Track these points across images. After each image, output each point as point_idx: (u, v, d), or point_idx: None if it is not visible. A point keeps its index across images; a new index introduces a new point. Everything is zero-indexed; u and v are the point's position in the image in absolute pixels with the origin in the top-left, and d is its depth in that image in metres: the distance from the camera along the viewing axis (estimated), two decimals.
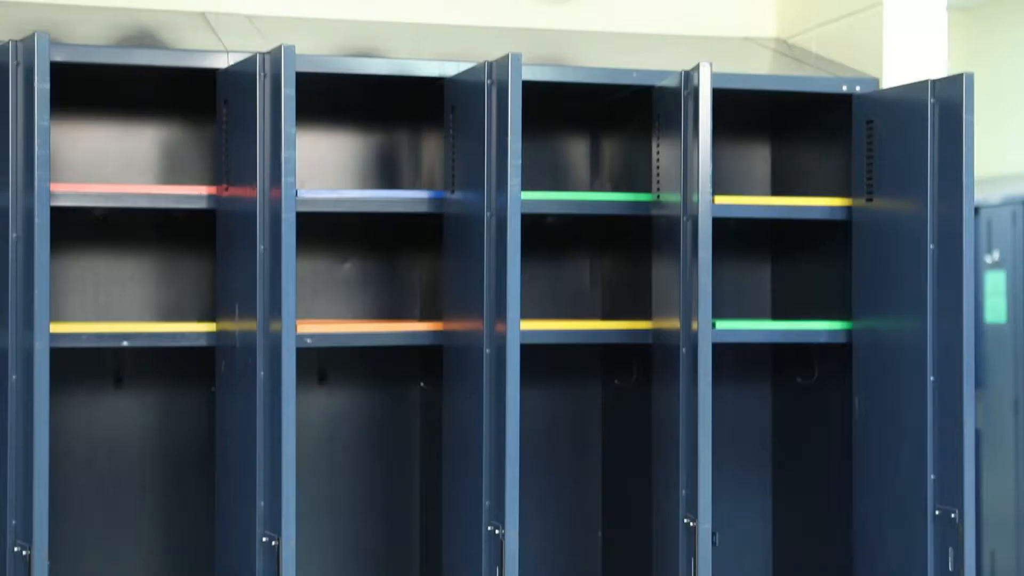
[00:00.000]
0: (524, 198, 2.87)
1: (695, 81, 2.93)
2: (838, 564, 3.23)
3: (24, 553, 2.54)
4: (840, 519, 3.21)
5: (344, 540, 3.32)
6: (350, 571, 3.33)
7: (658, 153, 3.09)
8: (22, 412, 2.60)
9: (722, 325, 3.11)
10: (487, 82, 2.84)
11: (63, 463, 3.09)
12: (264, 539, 2.69)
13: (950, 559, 2.86)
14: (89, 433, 3.14)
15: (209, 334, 2.94)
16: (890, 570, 3.01)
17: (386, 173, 3.33)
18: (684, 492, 2.93)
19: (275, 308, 2.71)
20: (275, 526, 2.65)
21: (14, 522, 2.59)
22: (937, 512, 2.89)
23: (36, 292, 2.59)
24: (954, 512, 2.85)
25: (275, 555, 2.64)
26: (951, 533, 2.86)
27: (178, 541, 3.20)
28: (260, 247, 2.75)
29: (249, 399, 2.76)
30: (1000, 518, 7.27)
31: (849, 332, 3.16)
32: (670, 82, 3.01)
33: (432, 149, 3.25)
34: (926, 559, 2.89)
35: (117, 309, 3.15)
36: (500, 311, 2.81)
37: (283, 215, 2.69)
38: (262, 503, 2.71)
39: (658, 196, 3.09)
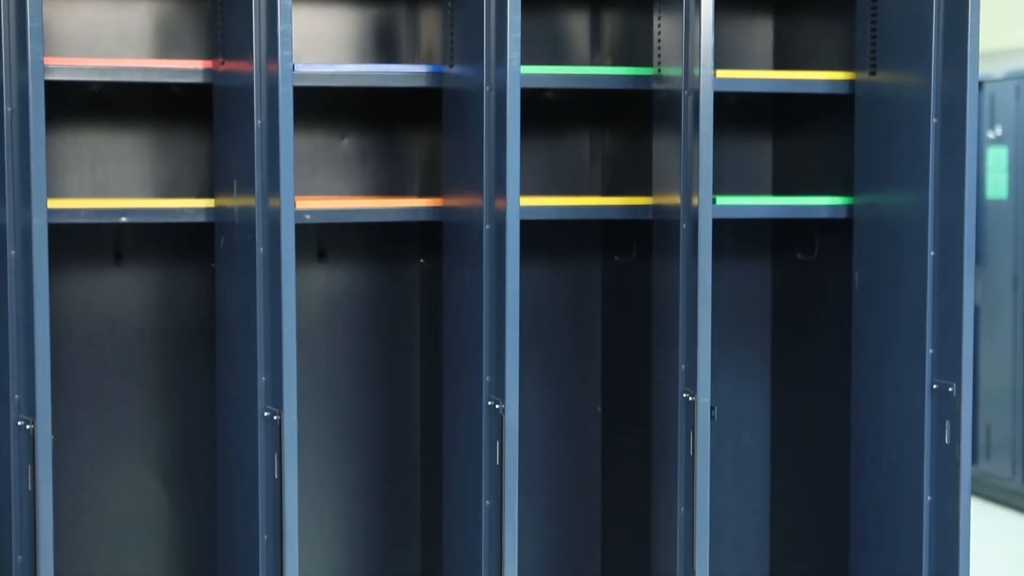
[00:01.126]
0: (523, 72, 2.84)
1: None
2: (836, 439, 3.26)
3: (28, 427, 2.56)
4: (838, 395, 3.23)
5: (344, 415, 3.34)
6: (350, 445, 3.35)
7: (659, 26, 3.06)
8: (22, 288, 2.60)
9: (722, 201, 3.09)
10: None
11: (64, 339, 3.10)
12: (266, 413, 2.71)
13: (947, 432, 2.88)
14: (90, 310, 3.14)
15: (208, 210, 2.93)
16: (887, 444, 3.03)
17: (384, 47, 3.30)
18: (683, 367, 2.94)
19: (273, 184, 2.70)
20: (276, 401, 2.67)
21: (17, 397, 2.60)
22: (935, 386, 2.91)
23: (32, 167, 2.57)
24: (952, 386, 2.87)
25: (276, 429, 2.66)
26: (948, 407, 2.88)
27: (180, 416, 3.22)
28: (257, 122, 2.73)
29: (249, 276, 2.76)
30: (997, 393, 7.32)
31: (850, 207, 3.14)
32: None
33: (430, 22, 3.20)
34: (923, 433, 2.92)
35: (115, 186, 3.13)
36: (500, 187, 2.80)
37: (280, 89, 2.66)
38: (263, 378, 2.72)
39: (659, 70, 3.06)
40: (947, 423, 2.88)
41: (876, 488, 3.07)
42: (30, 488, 2.54)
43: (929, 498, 2.92)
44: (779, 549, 3.58)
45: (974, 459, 7.16)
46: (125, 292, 3.17)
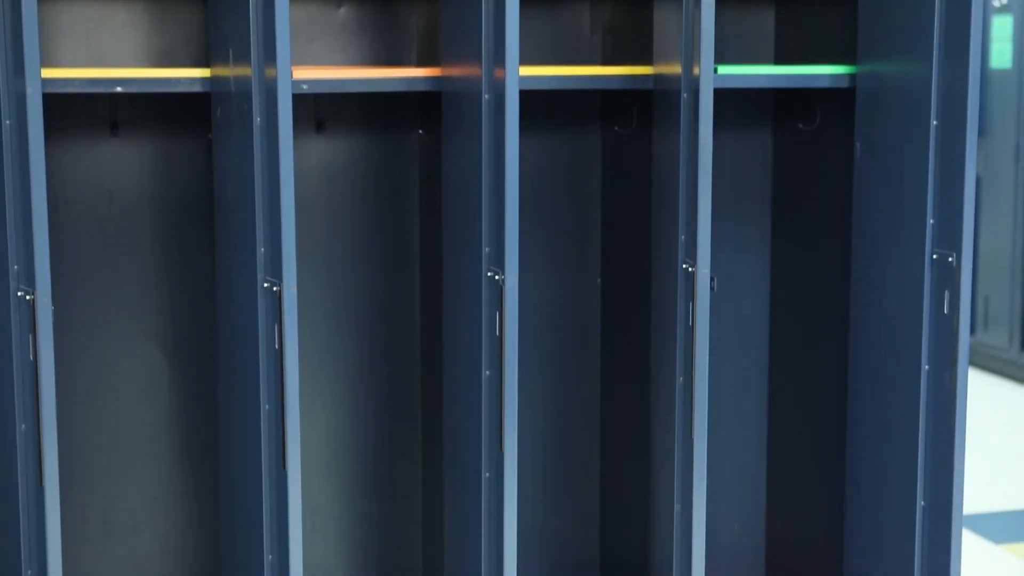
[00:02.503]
0: None
1: None
2: (835, 309, 3.27)
3: (28, 298, 2.56)
4: (838, 265, 3.24)
5: (343, 287, 3.34)
6: (350, 317, 3.37)
7: None
8: (18, 158, 2.58)
9: (724, 70, 3.06)
10: None
11: (62, 210, 3.09)
12: (265, 285, 2.71)
13: (946, 302, 2.89)
14: (87, 180, 3.13)
15: (204, 80, 2.90)
16: (886, 314, 3.04)
17: None
18: (683, 237, 2.94)
19: (269, 53, 2.67)
20: (275, 272, 2.67)
21: (16, 267, 2.60)
22: (935, 256, 2.91)
23: (25, 36, 2.54)
24: (951, 256, 2.87)
25: (276, 300, 2.66)
26: (948, 277, 2.88)
27: (179, 286, 3.22)
28: None
29: (246, 146, 2.74)
30: (996, 265, 7.33)
31: (853, 76, 3.11)
32: None
33: None
34: (922, 302, 2.92)
35: (109, 55, 3.10)
36: (499, 56, 2.77)
37: None
38: (262, 249, 2.72)
39: None
40: (946, 293, 2.89)
41: (874, 358, 3.09)
42: (32, 358, 2.56)
43: (927, 367, 2.94)
44: (777, 417, 3.62)
45: (972, 330, 7.20)
46: (122, 163, 3.15)
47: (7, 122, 2.61)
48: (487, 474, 2.83)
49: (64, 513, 2.89)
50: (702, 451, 2.91)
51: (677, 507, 2.98)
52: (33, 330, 2.54)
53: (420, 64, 3.24)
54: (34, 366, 2.55)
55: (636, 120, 3.19)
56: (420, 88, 3.03)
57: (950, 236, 2.86)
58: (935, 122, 2.88)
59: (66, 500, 3.05)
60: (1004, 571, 4.70)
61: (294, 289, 2.65)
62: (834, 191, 3.26)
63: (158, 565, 3.31)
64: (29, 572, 2.63)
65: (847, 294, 3.18)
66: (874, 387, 3.09)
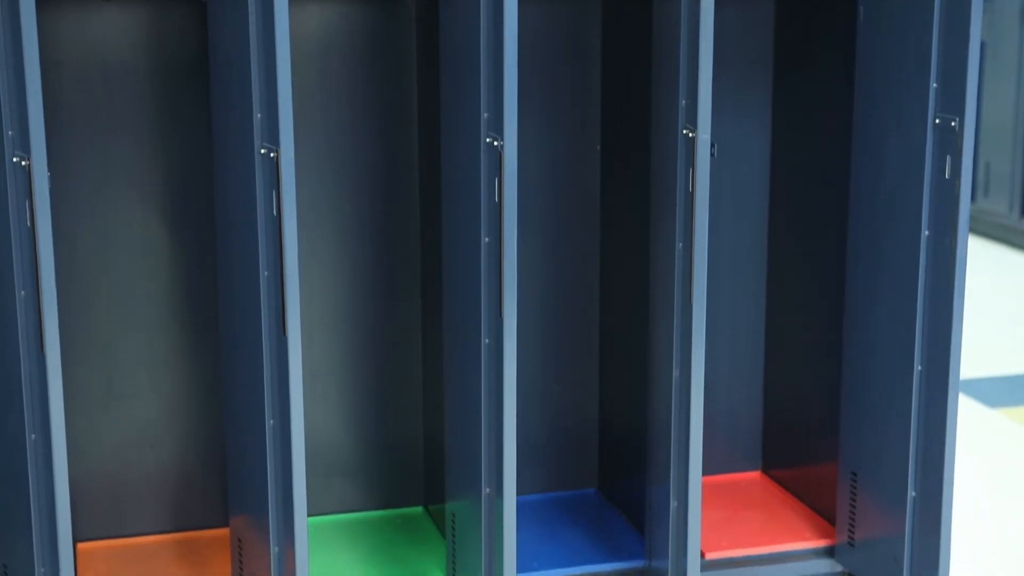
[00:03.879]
0: None
1: None
2: (836, 176, 3.25)
3: (23, 163, 2.55)
4: (839, 129, 3.21)
5: (341, 153, 3.33)
6: (348, 183, 3.35)
7: None
8: (9, 24, 2.54)
9: None
10: None
11: (55, 74, 3.06)
12: (262, 151, 2.69)
13: (947, 167, 2.87)
14: (80, 47, 3.09)
15: None
16: (887, 179, 3.03)
17: None
18: (684, 102, 2.91)
19: None
20: (273, 138, 2.65)
21: (11, 133, 2.58)
22: (937, 121, 2.88)
23: None
24: (954, 120, 2.84)
25: (274, 166, 2.65)
26: (950, 141, 2.86)
27: (176, 153, 3.21)
28: None
29: (241, 11, 2.70)
30: (998, 130, 7.29)
31: None
32: None
33: None
34: (923, 167, 2.91)
35: None
36: None
37: None
38: (259, 115, 2.69)
39: None
40: (948, 158, 2.87)
41: (874, 223, 3.08)
42: (29, 224, 2.55)
43: (927, 233, 2.93)
44: (776, 283, 3.62)
45: (972, 196, 7.19)
46: (115, 29, 3.11)
47: None
48: (487, 340, 2.84)
49: (66, 379, 2.91)
50: (701, 317, 2.91)
51: (676, 372, 3.00)
52: (30, 196, 2.53)
53: None
54: (32, 232, 2.54)
55: None
56: None
57: (953, 101, 2.84)
58: None
59: (67, 366, 3.07)
60: (1000, 434, 4.76)
61: (291, 155, 2.63)
62: (836, 56, 3.22)
63: (160, 428, 3.35)
64: (33, 436, 2.66)
65: (847, 158, 3.17)
66: (874, 252, 3.09)
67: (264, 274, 2.71)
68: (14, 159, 2.57)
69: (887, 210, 3.03)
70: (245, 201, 2.74)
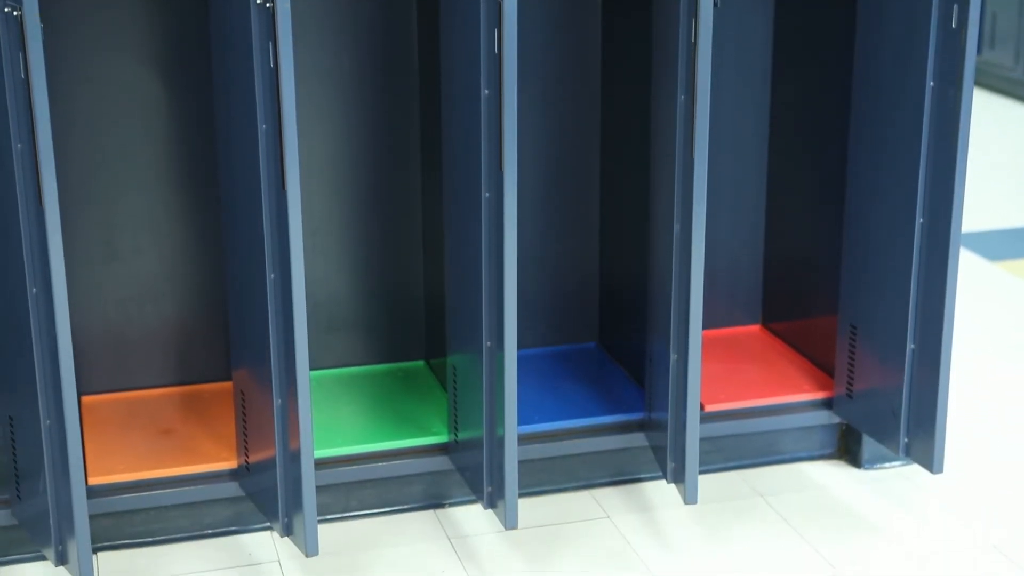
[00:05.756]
0: None
1: None
2: (841, 22, 3.21)
3: (15, 14, 2.51)
4: None
5: (338, 8, 3.28)
6: (346, 34, 3.31)
7: None
8: None
9: None
10: None
11: None
12: (258, 1, 2.64)
13: (954, 16, 2.83)
14: None
15: None
16: (893, 29, 2.98)
17: None
18: None
19: None
20: None
21: None
22: None
23: None
24: None
25: (270, 17, 2.60)
26: None
27: (172, 6, 3.16)
28: None
29: None
30: None
31: None
32: None
33: None
34: (930, 16, 2.86)
35: None
36: None
37: None
38: None
39: None
40: (955, 7, 2.82)
41: (879, 73, 3.04)
42: (23, 76, 2.52)
43: (932, 83, 2.90)
44: (778, 137, 3.60)
45: (978, 48, 7.11)
46: None
47: None
48: (487, 194, 2.83)
49: (66, 237, 2.90)
50: (702, 170, 2.90)
51: (676, 227, 2.99)
52: (23, 48, 2.49)
53: None
54: (26, 84, 2.51)
55: None
56: None
57: None
58: None
59: (67, 224, 3.06)
60: (999, 287, 4.77)
61: (287, 5, 2.59)
62: None
63: (162, 284, 3.35)
64: (34, 290, 2.66)
65: (853, 9, 3.12)
66: (878, 103, 3.06)
67: (263, 128, 2.69)
68: (5, 9, 2.52)
69: (892, 60, 2.99)
70: (241, 53, 2.70)
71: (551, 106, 3.49)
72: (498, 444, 2.92)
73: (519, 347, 3.38)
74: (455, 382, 3.10)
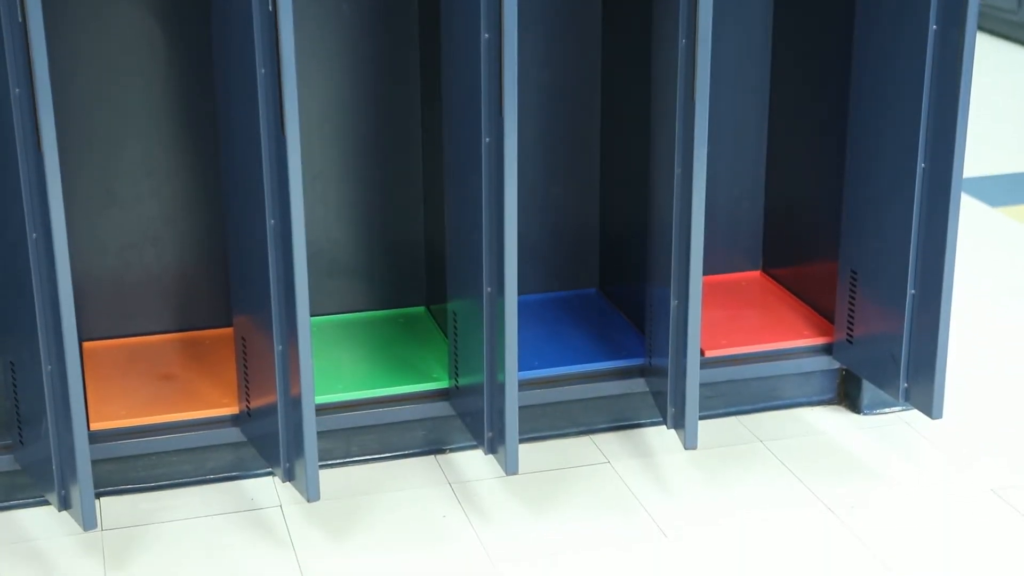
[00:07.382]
0: None
1: None
2: None
3: None
4: None
5: None
6: None
7: None
8: None
9: None
10: None
11: None
12: None
13: None
14: None
15: None
16: None
17: None
18: None
19: None
20: None
21: None
22: None
23: None
24: None
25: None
26: None
27: None
28: None
29: None
30: None
31: None
32: None
33: None
34: None
35: None
36: None
37: None
38: None
39: None
40: None
41: (881, 16, 3.03)
42: (20, 19, 2.50)
43: (935, 27, 2.88)
44: (779, 82, 3.58)
45: None
46: None
47: None
48: (487, 139, 2.82)
49: (66, 183, 2.89)
50: (703, 114, 2.88)
51: (677, 171, 2.98)
52: None
53: None
54: (23, 28, 2.49)
55: None
56: None
57: None
58: None
59: (67, 170, 3.05)
60: (1000, 233, 4.76)
61: None
62: None
63: (163, 230, 3.35)
64: (34, 235, 2.65)
65: None
66: (880, 47, 3.04)
67: (261, 71, 2.67)
68: None
69: (895, 2, 2.97)
70: None
71: (551, 50, 3.47)
72: (499, 390, 2.92)
73: (519, 293, 3.38)
74: (455, 328, 3.10)
